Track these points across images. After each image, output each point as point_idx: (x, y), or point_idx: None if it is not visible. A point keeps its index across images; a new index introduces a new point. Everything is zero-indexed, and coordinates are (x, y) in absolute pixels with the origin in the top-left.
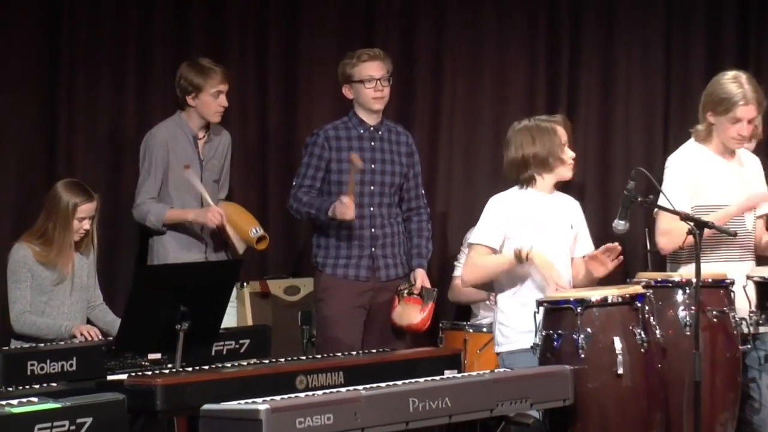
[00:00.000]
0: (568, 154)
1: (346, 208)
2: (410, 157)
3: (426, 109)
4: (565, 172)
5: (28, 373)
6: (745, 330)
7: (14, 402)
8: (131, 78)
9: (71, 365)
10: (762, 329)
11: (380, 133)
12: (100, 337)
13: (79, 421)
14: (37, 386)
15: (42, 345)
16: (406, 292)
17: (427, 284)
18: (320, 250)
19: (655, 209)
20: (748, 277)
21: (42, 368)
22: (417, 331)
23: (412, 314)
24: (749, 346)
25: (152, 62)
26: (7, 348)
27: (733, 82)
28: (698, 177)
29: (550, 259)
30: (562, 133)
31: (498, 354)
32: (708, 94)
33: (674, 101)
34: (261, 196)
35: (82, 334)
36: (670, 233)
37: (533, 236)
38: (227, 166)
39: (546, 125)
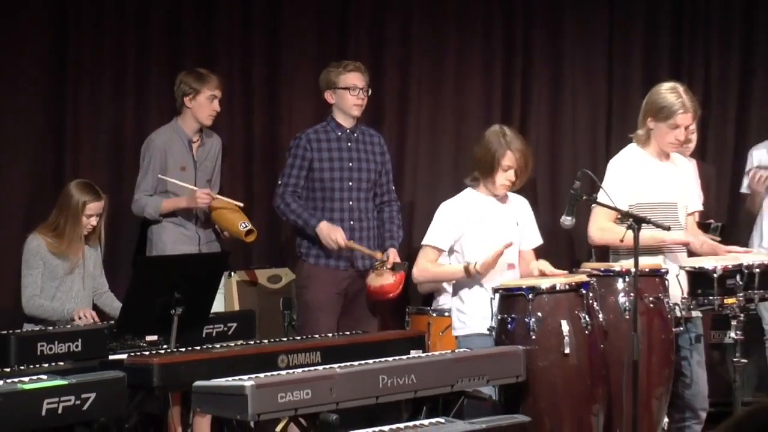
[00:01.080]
0: (503, 176)
1: (336, 246)
2: (382, 156)
3: (394, 114)
4: (496, 189)
5: (38, 353)
6: (678, 314)
7: (26, 379)
8: (130, 87)
9: (77, 346)
10: (693, 313)
11: (356, 135)
12: (96, 318)
13: (83, 396)
14: (46, 365)
15: (51, 328)
16: (379, 265)
17: (398, 260)
18: (303, 241)
19: (594, 205)
20: (681, 267)
21: (51, 349)
22: (388, 293)
23: (386, 278)
24: (681, 329)
25: (149, 73)
26: (19, 331)
27: (672, 92)
28: (636, 178)
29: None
30: (507, 156)
31: (456, 337)
32: (649, 102)
33: (615, 110)
34: (247, 193)
35: (80, 317)
36: (607, 231)
37: (481, 235)
38: (218, 166)
39: (502, 139)
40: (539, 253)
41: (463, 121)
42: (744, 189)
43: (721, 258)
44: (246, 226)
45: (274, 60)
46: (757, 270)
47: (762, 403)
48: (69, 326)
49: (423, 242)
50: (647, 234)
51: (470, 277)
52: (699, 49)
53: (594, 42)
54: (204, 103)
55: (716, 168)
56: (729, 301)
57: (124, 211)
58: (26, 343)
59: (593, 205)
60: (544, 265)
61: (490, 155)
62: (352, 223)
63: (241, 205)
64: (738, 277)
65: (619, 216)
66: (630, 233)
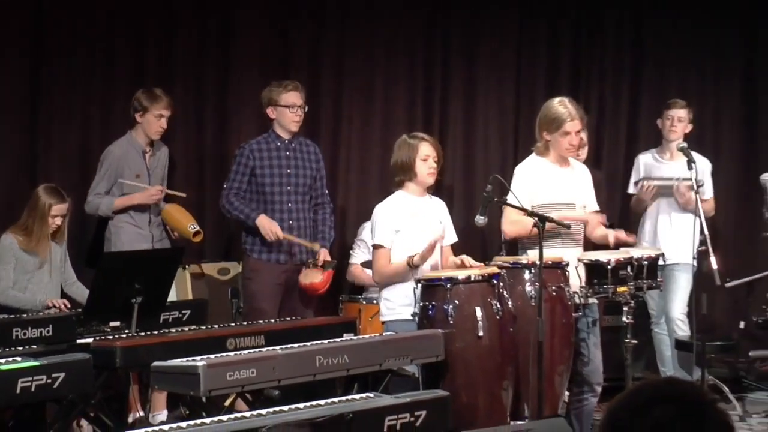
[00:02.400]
0: (426, 166)
1: (274, 237)
2: (317, 164)
3: (329, 127)
4: (424, 180)
5: (13, 337)
6: (577, 301)
7: (2, 361)
8: (96, 103)
9: (48, 331)
10: (590, 300)
11: (293, 145)
12: (68, 305)
13: (54, 375)
14: (20, 348)
15: (24, 315)
16: (311, 263)
17: (328, 258)
18: (248, 238)
19: (505, 206)
20: (579, 260)
21: (24, 333)
22: (317, 290)
23: (315, 276)
24: (580, 314)
25: (113, 89)
26: None
27: (560, 104)
28: (538, 182)
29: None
30: (424, 148)
31: (383, 322)
32: (541, 117)
33: (522, 123)
34: (199, 195)
35: (54, 306)
36: (518, 223)
37: (413, 230)
38: (166, 172)
39: (410, 141)
40: (455, 249)
41: (389, 134)
42: (630, 190)
43: (614, 252)
44: (194, 228)
45: (224, 78)
46: (645, 262)
47: (650, 379)
48: (41, 313)
49: (373, 243)
50: (559, 215)
51: (412, 269)
52: (595, 70)
53: (504, 65)
54: (152, 121)
55: (609, 172)
56: (621, 289)
57: (86, 215)
58: (2, 329)
59: (503, 206)
60: (467, 259)
61: (405, 153)
62: (291, 222)
63: (184, 195)
64: (629, 269)
65: (529, 216)
66: (535, 230)
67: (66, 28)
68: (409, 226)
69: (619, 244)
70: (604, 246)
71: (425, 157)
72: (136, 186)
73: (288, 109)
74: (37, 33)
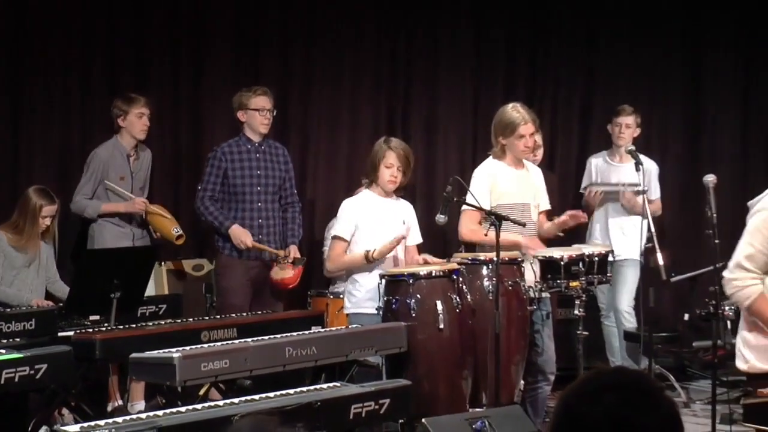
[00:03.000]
0: (388, 173)
1: (245, 246)
2: (286, 165)
3: (298, 131)
4: (384, 185)
5: None
6: (532, 295)
7: None
8: (76, 108)
9: (31, 325)
10: (544, 294)
11: (263, 147)
12: (49, 304)
13: (36, 367)
14: (4, 341)
15: (8, 309)
16: (282, 260)
17: (298, 255)
18: (220, 237)
19: (464, 206)
20: (534, 257)
21: (9, 327)
22: (288, 285)
23: (286, 272)
24: (535, 307)
25: (92, 94)
26: None
27: (512, 110)
28: (495, 183)
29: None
30: (389, 156)
31: (348, 315)
32: (496, 122)
33: (480, 128)
34: (175, 195)
35: (38, 305)
36: (475, 232)
37: (373, 227)
38: (148, 175)
39: (383, 145)
40: (420, 247)
41: (354, 137)
42: (582, 189)
43: (567, 249)
44: (178, 232)
45: (197, 84)
46: (596, 259)
47: (600, 368)
48: (24, 308)
49: (332, 234)
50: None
51: (369, 263)
52: (549, 78)
53: (463, 73)
54: (134, 121)
55: (562, 174)
56: (573, 284)
57: (68, 210)
58: None
59: (463, 206)
60: (429, 258)
61: (374, 156)
62: (260, 221)
63: (163, 211)
64: (580, 265)
65: (484, 215)
66: (492, 230)
67: (45, 39)
68: (369, 224)
69: (566, 224)
70: (557, 243)
71: (389, 165)
72: (120, 191)
73: (258, 113)
74: (18, 43)
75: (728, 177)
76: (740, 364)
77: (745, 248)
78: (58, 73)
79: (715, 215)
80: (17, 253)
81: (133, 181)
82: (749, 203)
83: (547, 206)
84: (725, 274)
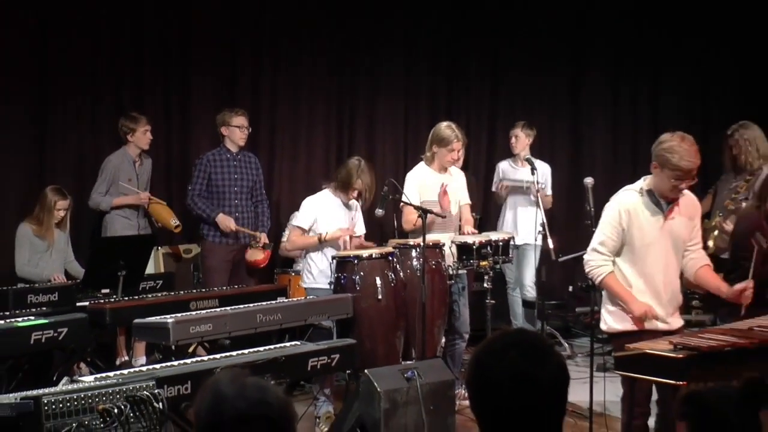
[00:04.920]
0: (354, 192)
1: (229, 230)
2: (257, 171)
3: (266, 143)
4: (347, 196)
5: (28, 301)
6: (451, 272)
7: (19, 319)
8: (89, 125)
9: (54, 297)
10: (460, 272)
11: (239, 157)
12: (65, 278)
13: (59, 330)
14: (33, 309)
15: (36, 285)
16: (254, 245)
17: (266, 241)
18: (205, 226)
19: (402, 203)
20: (452, 242)
21: (36, 298)
22: (259, 265)
23: (257, 254)
24: (453, 282)
25: (101, 114)
26: (15, 287)
27: (447, 128)
28: (424, 184)
29: (338, 235)
30: (359, 182)
31: (306, 289)
32: (433, 134)
33: (410, 139)
34: (168, 192)
35: (55, 278)
36: (410, 222)
37: (329, 220)
38: (149, 177)
39: (360, 167)
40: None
41: (311, 148)
42: (493, 188)
43: (478, 235)
44: (176, 222)
45: (186, 103)
46: (501, 243)
47: (504, 329)
48: (49, 283)
49: (293, 224)
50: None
51: (320, 243)
52: (463, 100)
53: (396, 98)
54: (140, 137)
55: (475, 175)
56: (483, 263)
57: (86, 206)
58: (19, 295)
59: (401, 204)
60: (369, 245)
61: (348, 178)
62: (237, 214)
63: (164, 203)
64: (489, 248)
65: (416, 210)
66: (420, 220)
67: (64, 72)
68: (325, 217)
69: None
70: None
71: (358, 187)
72: (130, 188)
73: (238, 129)
74: (43, 76)
75: (602, 180)
76: (602, 326)
77: (598, 236)
78: (75, 98)
79: (592, 209)
80: (39, 241)
81: (138, 182)
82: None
83: (467, 201)
84: (585, 256)
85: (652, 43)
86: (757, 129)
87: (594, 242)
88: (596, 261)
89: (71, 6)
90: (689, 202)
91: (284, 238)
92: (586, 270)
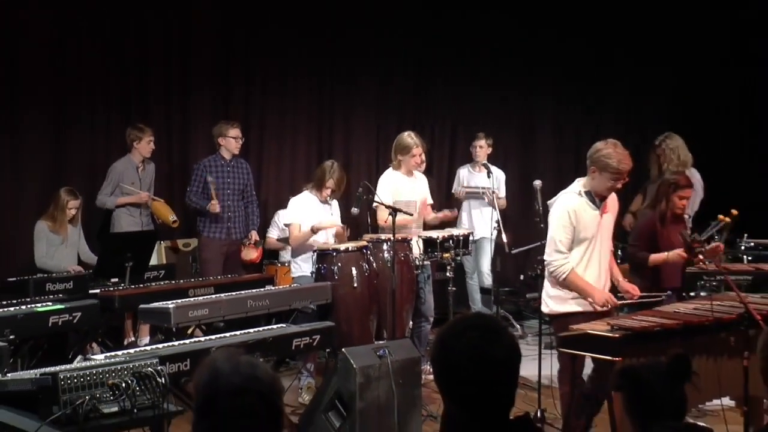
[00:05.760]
0: (327, 190)
1: (215, 210)
2: (248, 175)
3: (256, 150)
4: (323, 195)
5: (47, 289)
6: (418, 263)
7: (39, 305)
8: (100, 133)
9: (69, 285)
10: (425, 263)
11: (232, 163)
12: (81, 269)
13: (74, 314)
14: (51, 296)
15: (54, 274)
16: (247, 242)
17: (257, 238)
18: (200, 223)
19: (375, 203)
20: (419, 237)
21: (54, 286)
22: (254, 262)
23: (251, 253)
24: (419, 271)
25: (110, 124)
26: (34, 276)
27: (408, 137)
28: (394, 187)
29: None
30: (331, 182)
31: (292, 277)
32: (396, 144)
33: (381, 147)
34: (169, 193)
35: (72, 271)
36: (383, 219)
37: (311, 216)
38: (152, 181)
39: (333, 168)
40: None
41: (294, 154)
42: (454, 191)
43: (441, 231)
44: (174, 218)
45: (186, 113)
46: (461, 238)
47: (464, 313)
48: (65, 273)
49: (287, 221)
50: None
51: (313, 233)
52: (429, 113)
53: (369, 111)
54: (144, 146)
55: (438, 178)
56: (446, 255)
57: (95, 206)
58: (39, 284)
59: (374, 204)
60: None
61: (322, 176)
62: (229, 213)
63: (163, 200)
64: (450, 242)
65: (387, 209)
66: (390, 218)
67: (78, 87)
68: (308, 215)
69: (445, 218)
70: (437, 227)
71: (329, 186)
72: (132, 190)
73: (233, 139)
74: (60, 92)
75: (549, 182)
76: (544, 308)
77: (556, 238)
78: (87, 109)
79: (540, 208)
80: (54, 236)
81: (141, 185)
82: (549, 203)
83: (430, 201)
84: (546, 258)
85: (591, 63)
86: (680, 139)
87: (553, 245)
88: (558, 261)
89: (88, 26)
90: (613, 200)
91: (269, 233)
92: (549, 270)
